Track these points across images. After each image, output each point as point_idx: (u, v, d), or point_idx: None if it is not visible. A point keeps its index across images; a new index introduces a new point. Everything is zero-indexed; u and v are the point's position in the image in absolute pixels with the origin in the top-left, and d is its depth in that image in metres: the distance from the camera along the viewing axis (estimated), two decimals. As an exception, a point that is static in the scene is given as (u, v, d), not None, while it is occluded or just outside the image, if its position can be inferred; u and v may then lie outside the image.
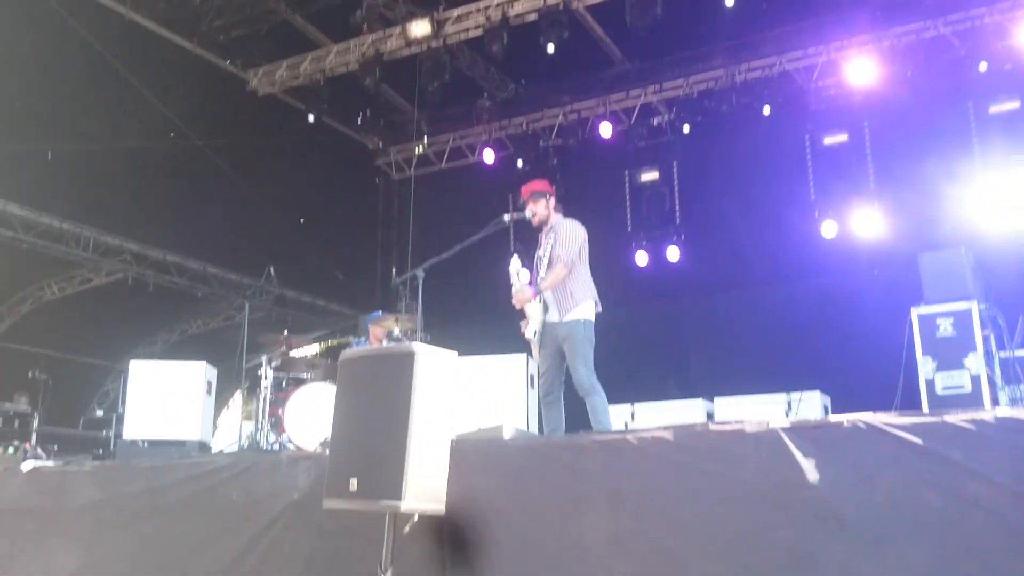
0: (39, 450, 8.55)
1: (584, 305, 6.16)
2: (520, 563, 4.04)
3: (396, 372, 3.69)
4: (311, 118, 12.43)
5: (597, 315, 6.22)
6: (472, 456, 4.31)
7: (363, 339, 8.87)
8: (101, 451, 10.19)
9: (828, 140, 10.99)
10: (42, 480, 5.94)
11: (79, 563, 5.32)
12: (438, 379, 3.71)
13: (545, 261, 6.29)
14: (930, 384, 6.37)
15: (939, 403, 6.11)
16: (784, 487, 3.55)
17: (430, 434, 3.64)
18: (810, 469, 3.52)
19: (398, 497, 3.52)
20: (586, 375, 5.98)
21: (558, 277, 6.14)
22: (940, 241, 8.12)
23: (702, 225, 11.77)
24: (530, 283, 6.28)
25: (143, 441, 8.93)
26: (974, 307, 6.45)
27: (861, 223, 10.70)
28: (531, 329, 6.20)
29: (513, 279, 6.27)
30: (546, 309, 6.21)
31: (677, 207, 12.12)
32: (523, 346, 6.36)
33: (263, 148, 12.40)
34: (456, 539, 4.19)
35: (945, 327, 6.41)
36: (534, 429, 7.68)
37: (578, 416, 6.12)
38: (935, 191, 9.70)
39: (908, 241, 9.21)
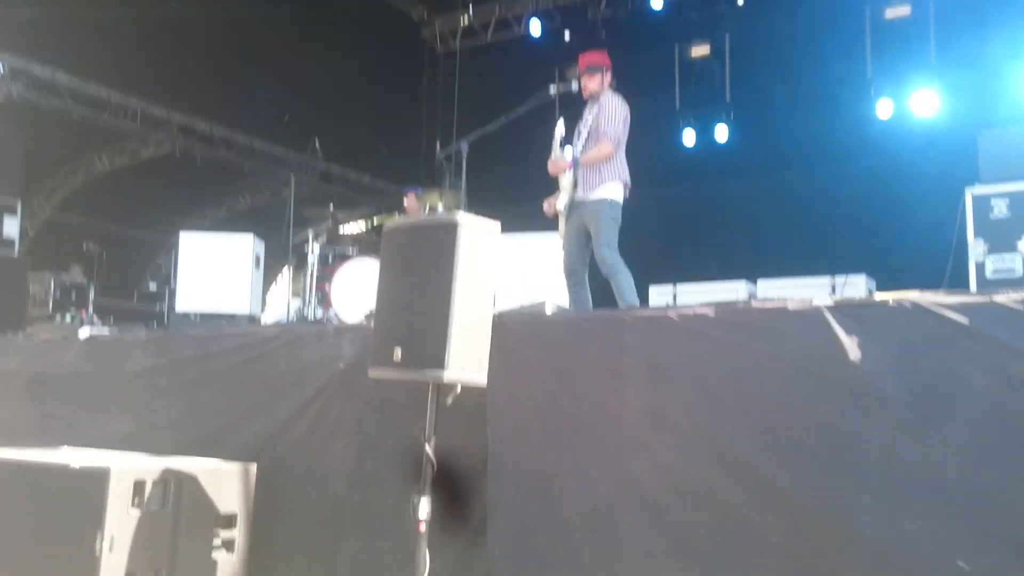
0: (96, 318, 8.79)
1: (611, 185, 6.06)
2: (560, 434, 4.12)
3: (440, 242, 3.68)
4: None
5: (626, 199, 6.13)
6: (514, 330, 4.34)
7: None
8: (155, 324, 10.48)
9: (890, 13, 10.50)
10: (99, 348, 6.14)
11: (133, 427, 5.53)
12: (481, 249, 3.69)
13: (585, 133, 6.17)
14: (980, 267, 6.22)
15: (989, 287, 5.98)
16: (826, 365, 3.53)
17: (473, 304, 3.64)
18: (853, 347, 3.49)
19: (441, 367, 3.55)
20: (609, 254, 5.92)
21: (602, 153, 6.03)
22: (1000, 123, 7.83)
23: (753, 103, 11.43)
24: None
25: (195, 315, 9.16)
26: (1032, 188, 6.25)
27: (919, 102, 10.33)
28: (561, 201, 6.13)
29: (555, 145, 6.19)
30: (575, 186, 6.13)
31: (728, 84, 11.76)
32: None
33: (307, 19, 12.19)
34: (498, 411, 4.27)
35: (1000, 208, 6.21)
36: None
37: (604, 299, 6.12)
38: (1000, 69, 9.31)
39: (967, 121, 8.89)
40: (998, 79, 9.20)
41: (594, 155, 6.05)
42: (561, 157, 6.13)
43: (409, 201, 9.02)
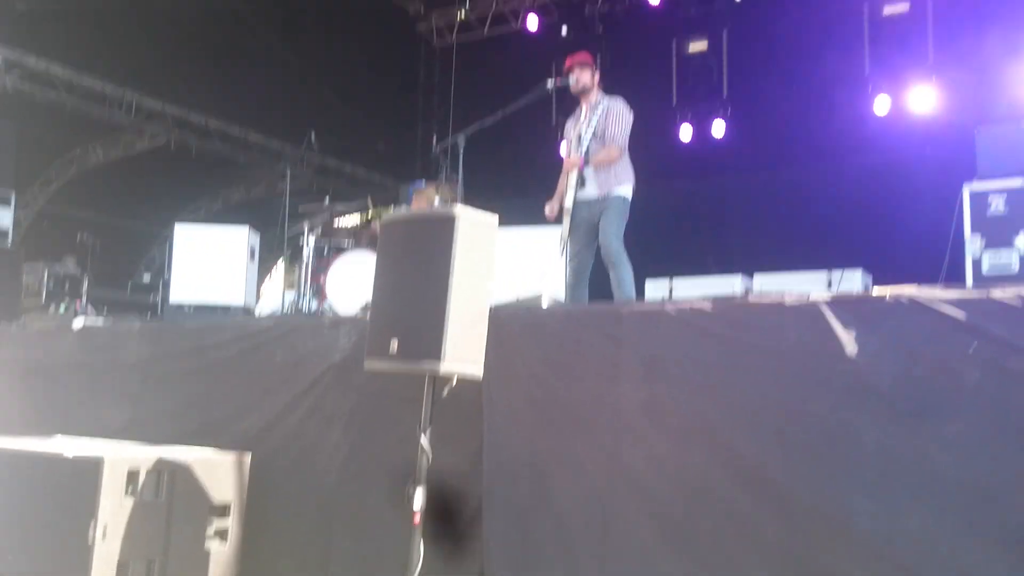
0: (90, 307, 8.77)
1: (625, 186, 6.23)
2: (555, 426, 4.12)
3: (437, 235, 3.67)
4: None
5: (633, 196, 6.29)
6: (511, 322, 4.34)
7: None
8: (149, 315, 10.44)
9: (888, 10, 10.51)
10: (93, 337, 6.12)
11: (128, 417, 5.51)
12: (479, 242, 3.68)
13: (589, 134, 6.25)
14: (976, 263, 6.22)
15: (985, 282, 5.97)
16: (823, 359, 3.54)
17: (470, 297, 3.63)
18: (850, 342, 3.49)
19: (438, 359, 3.54)
20: (617, 245, 6.07)
21: (611, 156, 6.17)
22: (998, 119, 7.83)
23: (750, 99, 11.43)
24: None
25: (189, 306, 9.13)
26: (1030, 184, 6.24)
27: (917, 99, 10.35)
28: (568, 198, 6.23)
29: (572, 141, 6.28)
30: (583, 184, 6.20)
31: (725, 80, 11.75)
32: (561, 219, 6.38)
33: (303, 12, 12.18)
34: (494, 403, 4.26)
35: (997, 204, 6.20)
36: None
37: (602, 295, 6.16)
38: (998, 67, 9.32)
39: (964, 119, 8.88)
40: (996, 76, 9.21)
41: (603, 156, 6.19)
42: (575, 155, 6.23)
43: (417, 202, 8.94)
